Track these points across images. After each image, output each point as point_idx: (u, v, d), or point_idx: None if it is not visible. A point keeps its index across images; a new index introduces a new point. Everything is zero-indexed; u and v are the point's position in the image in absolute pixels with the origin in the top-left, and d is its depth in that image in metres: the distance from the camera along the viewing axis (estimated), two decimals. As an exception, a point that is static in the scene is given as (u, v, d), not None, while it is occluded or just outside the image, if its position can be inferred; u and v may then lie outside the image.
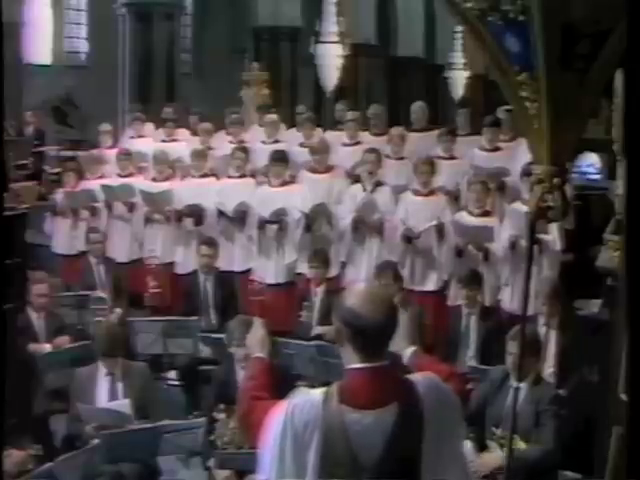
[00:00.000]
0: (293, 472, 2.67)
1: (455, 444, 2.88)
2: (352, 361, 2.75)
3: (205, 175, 9.04)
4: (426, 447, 2.73)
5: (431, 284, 7.85)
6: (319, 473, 2.67)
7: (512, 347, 5.02)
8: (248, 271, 8.42)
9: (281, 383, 3.26)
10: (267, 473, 2.72)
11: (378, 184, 8.20)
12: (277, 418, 2.71)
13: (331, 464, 2.67)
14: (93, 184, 9.19)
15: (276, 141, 9.86)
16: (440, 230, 7.71)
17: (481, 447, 5.18)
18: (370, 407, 2.69)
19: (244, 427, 3.15)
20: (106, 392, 5.56)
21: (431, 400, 2.76)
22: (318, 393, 2.75)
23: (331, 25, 16.84)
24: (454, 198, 8.40)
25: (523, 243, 6.91)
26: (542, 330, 6.22)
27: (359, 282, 3.13)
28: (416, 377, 2.84)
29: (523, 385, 5.03)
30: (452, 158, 8.82)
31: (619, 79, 3.40)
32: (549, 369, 6.00)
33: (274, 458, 2.69)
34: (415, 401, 2.74)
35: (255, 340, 3.33)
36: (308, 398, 2.74)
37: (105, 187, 8.99)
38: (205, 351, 6.86)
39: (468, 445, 5.04)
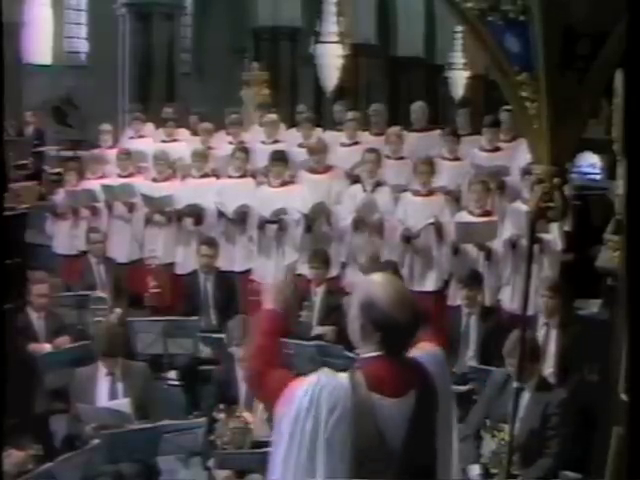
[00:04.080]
0: (305, 454, 2.67)
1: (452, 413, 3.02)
2: (372, 351, 2.78)
3: (205, 175, 9.04)
4: (441, 423, 2.85)
5: (430, 284, 7.85)
6: (350, 460, 2.67)
7: (510, 357, 5.01)
8: (248, 271, 8.42)
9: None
10: (282, 451, 2.70)
11: (378, 184, 8.20)
12: (300, 397, 2.68)
13: (362, 450, 2.69)
14: (94, 184, 9.19)
15: (276, 141, 9.85)
16: (439, 230, 7.72)
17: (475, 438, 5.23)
18: (395, 394, 2.74)
19: (254, 387, 3.01)
20: (106, 392, 5.55)
21: (440, 377, 2.88)
22: (344, 378, 2.74)
23: (331, 25, 16.83)
24: (455, 199, 8.40)
25: (523, 242, 6.92)
26: (542, 330, 6.23)
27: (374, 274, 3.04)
28: (423, 356, 2.90)
29: (526, 386, 5.04)
30: (456, 159, 8.82)
31: (619, 79, 3.40)
32: (549, 369, 6.00)
33: (293, 433, 2.67)
34: (429, 384, 2.83)
35: (272, 287, 3.08)
36: (337, 382, 2.72)
37: (105, 187, 8.99)
38: (205, 351, 6.86)
39: (477, 470, 5.06)
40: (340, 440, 2.66)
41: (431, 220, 7.70)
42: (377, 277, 2.94)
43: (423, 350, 2.93)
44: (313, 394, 2.67)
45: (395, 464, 2.74)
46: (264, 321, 3.02)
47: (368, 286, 2.86)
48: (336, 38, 16.77)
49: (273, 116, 10.42)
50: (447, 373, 2.99)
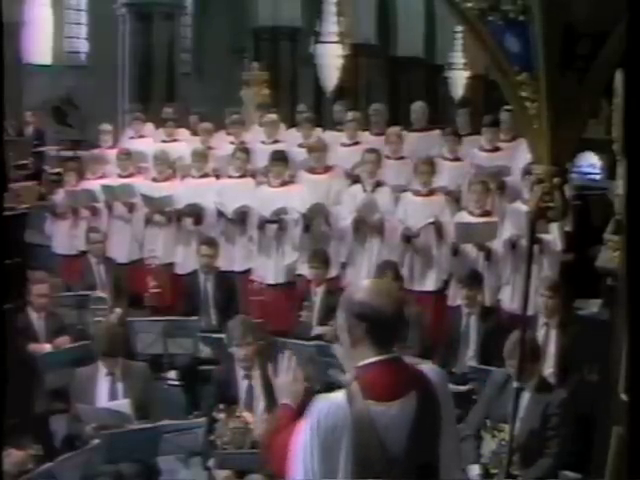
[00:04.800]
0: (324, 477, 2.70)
1: (456, 427, 3.08)
2: (367, 356, 2.80)
3: (205, 175, 9.05)
4: (444, 432, 2.84)
5: (430, 284, 7.85)
6: (352, 472, 2.71)
7: (510, 358, 5.01)
8: (248, 271, 8.42)
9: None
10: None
11: (378, 184, 8.20)
12: (302, 435, 2.74)
13: (362, 460, 2.72)
14: (94, 184, 9.19)
15: (276, 141, 9.85)
16: (439, 229, 7.72)
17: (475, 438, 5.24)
18: (393, 398, 2.76)
19: (269, 460, 3.09)
20: (106, 392, 5.55)
21: (442, 387, 2.89)
22: (340, 395, 2.78)
23: (331, 25, 16.84)
24: (455, 199, 8.40)
25: (523, 243, 6.91)
26: (542, 330, 6.23)
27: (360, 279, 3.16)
28: (424, 367, 2.94)
29: (526, 386, 5.04)
30: (456, 159, 8.82)
31: (619, 79, 3.40)
32: (549, 369, 6.00)
33: (305, 472, 2.71)
34: (430, 388, 2.84)
35: (282, 385, 3.18)
36: (331, 403, 2.77)
37: (105, 187, 8.99)
38: (205, 351, 6.86)
39: (477, 470, 5.07)
40: (345, 454, 2.70)
41: (431, 219, 7.71)
42: (362, 282, 3.07)
43: (423, 365, 2.98)
44: (312, 423, 2.72)
45: (397, 468, 2.75)
46: (279, 415, 3.12)
47: (352, 290, 2.95)
48: (336, 38, 16.78)
49: (273, 116, 10.43)
50: (448, 388, 3.00)
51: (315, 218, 8.18)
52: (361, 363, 2.81)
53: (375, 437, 2.73)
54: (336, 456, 2.70)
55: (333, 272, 7.89)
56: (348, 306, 2.83)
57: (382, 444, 2.73)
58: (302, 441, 2.73)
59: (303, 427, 2.75)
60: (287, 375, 3.17)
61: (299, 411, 3.07)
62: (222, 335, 6.09)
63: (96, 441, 4.98)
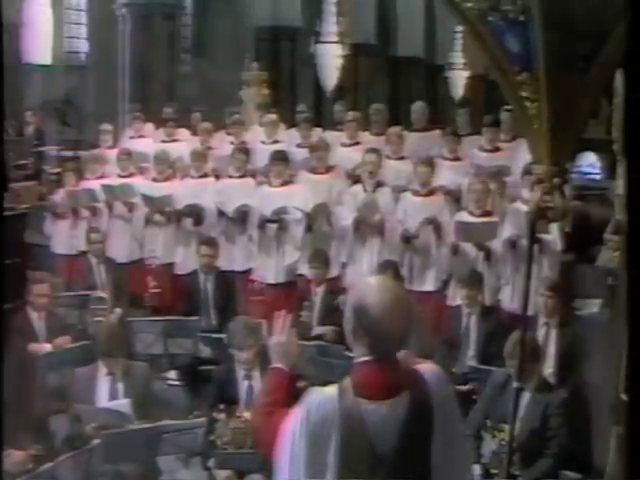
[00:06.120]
0: (311, 473, 2.68)
1: (461, 428, 3.03)
2: (364, 355, 2.77)
3: (205, 175, 9.05)
4: (437, 433, 2.79)
5: (430, 284, 7.85)
6: (339, 468, 2.68)
7: (510, 358, 5.01)
8: (248, 271, 8.42)
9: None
10: (285, 477, 2.72)
11: (379, 184, 8.20)
12: (292, 423, 2.72)
13: (350, 457, 2.70)
14: (94, 184, 9.19)
15: (276, 141, 9.86)
16: (437, 229, 7.72)
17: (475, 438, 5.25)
18: (384, 397, 2.73)
19: (257, 441, 3.05)
20: (106, 392, 5.56)
21: (438, 388, 2.83)
22: (332, 389, 2.76)
23: (331, 25, 16.83)
24: (455, 199, 8.40)
25: (523, 243, 6.91)
26: (542, 330, 6.23)
27: (370, 276, 3.05)
28: (422, 367, 2.89)
29: (526, 386, 5.04)
30: (456, 159, 8.82)
31: (619, 79, 3.40)
32: (549, 369, 6.01)
33: (292, 461, 2.69)
34: (424, 389, 2.80)
35: (275, 346, 3.04)
36: (322, 396, 2.74)
37: (105, 187, 8.99)
38: (205, 351, 6.86)
39: (477, 471, 5.07)
40: (333, 449, 2.68)
41: (427, 217, 7.70)
42: (373, 280, 2.93)
43: (423, 365, 2.92)
44: (303, 414, 2.70)
45: (386, 467, 2.73)
46: (270, 379, 3.05)
47: (362, 289, 2.83)
48: (336, 38, 16.76)
49: (273, 116, 10.43)
50: (448, 388, 2.94)
51: (318, 218, 8.19)
52: (357, 360, 2.80)
53: (364, 435, 2.70)
54: (324, 450, 2.68)
55: (334, 272, 7.90)
56: (358, 313, 2.74)
57: (371, 442, 2.71)
58: (291, 429, 2.71)
59: (294, 415, 2.73)
60: (281, 335, 3.04)
61: (291, 376, 3.01)
62: (222, 335, 6.10)
63: (96, 441, 4.97)
